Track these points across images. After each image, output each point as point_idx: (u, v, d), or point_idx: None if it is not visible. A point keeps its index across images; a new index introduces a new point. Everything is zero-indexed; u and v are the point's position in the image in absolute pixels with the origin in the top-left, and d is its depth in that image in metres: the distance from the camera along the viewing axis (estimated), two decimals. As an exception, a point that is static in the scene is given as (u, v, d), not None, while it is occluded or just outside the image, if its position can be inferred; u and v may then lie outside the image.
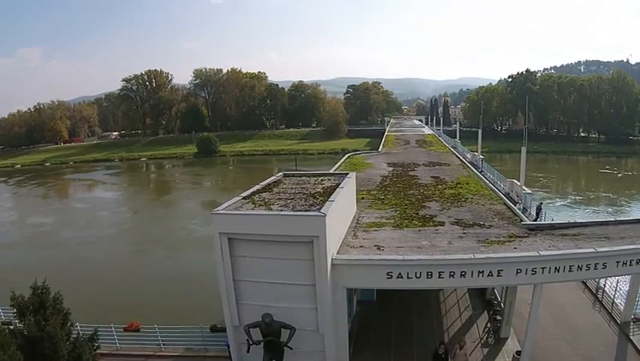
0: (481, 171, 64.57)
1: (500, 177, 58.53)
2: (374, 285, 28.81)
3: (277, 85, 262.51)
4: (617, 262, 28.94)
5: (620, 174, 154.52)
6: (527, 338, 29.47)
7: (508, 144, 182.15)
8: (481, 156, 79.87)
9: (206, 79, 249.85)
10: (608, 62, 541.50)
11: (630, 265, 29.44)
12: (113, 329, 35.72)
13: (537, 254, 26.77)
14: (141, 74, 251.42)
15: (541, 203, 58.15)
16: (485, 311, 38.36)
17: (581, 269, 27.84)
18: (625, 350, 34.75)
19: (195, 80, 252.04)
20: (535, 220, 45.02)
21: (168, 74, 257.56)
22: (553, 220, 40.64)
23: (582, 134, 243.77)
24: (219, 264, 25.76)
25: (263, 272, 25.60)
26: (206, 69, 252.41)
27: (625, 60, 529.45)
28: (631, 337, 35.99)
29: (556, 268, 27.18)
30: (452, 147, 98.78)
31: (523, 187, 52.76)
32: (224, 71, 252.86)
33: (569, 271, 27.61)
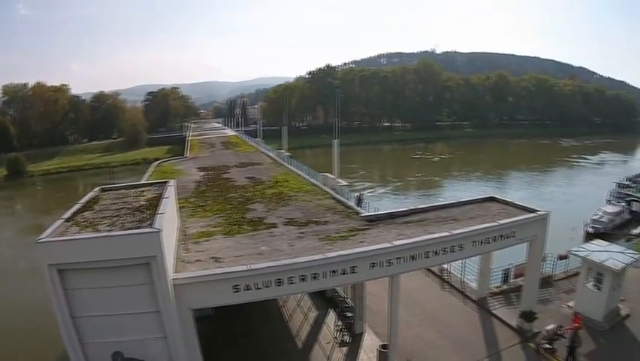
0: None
1: (311, 171, 56.94)
2: (221, 301, 25.42)
3: (78, 97, 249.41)
4: (474, 242, 29.10)
5: (435, 158, 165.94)
6: (392, 331, 28.65)
7: (308, 140, 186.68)
8: (288, 153, 78.70)
9: (14, 95, 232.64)
10: (412, 53, 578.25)
11: (488, 243, 29.91)
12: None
13: (391, 245, 25.75)
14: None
15: (362, 194, 57.35)
16: (331, 310, 37.68)
17: (437, 254, 27.63)
18: (490, 323, 35.92)
19: (3, 96, 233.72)
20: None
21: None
22: (377, 210, 40.21)
23: (386, 124, 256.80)
24: (53, 301, 21.70)
25: (102, 304, 22.02)
26: (13, 84, 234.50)
27: (431, 50, 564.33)
28: (493, 311, 37.32)
29: (412, 256, 26.49)
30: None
31: (339, 180, 51.52)
32: (30, 85, 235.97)
33: (426, 257, 27.24)
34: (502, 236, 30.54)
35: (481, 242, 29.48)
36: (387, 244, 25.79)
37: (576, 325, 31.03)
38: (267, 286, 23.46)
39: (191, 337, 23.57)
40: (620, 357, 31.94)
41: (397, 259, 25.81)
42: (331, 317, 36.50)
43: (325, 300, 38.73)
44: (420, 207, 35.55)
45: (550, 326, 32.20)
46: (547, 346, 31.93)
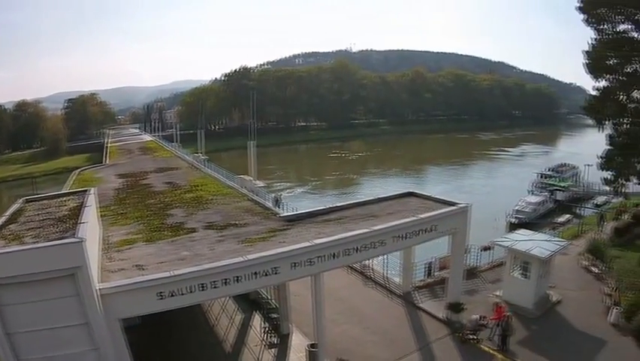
0: None
1: (228, 174, 59.01)
2: (147, 309, 26.08)
3: (1, 106, 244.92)
4: (395, 237, 31.16)
5: (352, 157, 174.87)
6: (319, 330, 30.44)
7: (225, 143, 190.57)
8: (205, 157, 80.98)
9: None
10: (327, 52, 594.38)
11: (409, 237, 32.17)
12: None
13: (311, 244, 27.44)
14: None
15: (280, 195, 59.33)
16: (256, 312, 39.51)
17: (358, 251, 29.47)
18: (418, 316, 38.47)
19: None
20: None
21: None
22: (296, 209, 42.92)
23: (302, 124, 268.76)
24: None
25: (35, 319, 22.37)
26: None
27: (347, 49, 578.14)
28: (419, 305, 39.96)
29: (333, 254, 28.27)
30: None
31: (256, 181, 53.62)
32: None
33: (347, 255, 29.06)
34: (422, 230, 32.66)
35: (402, 237, 31.57)
36: (308, 243, 27.35)
37: (506, 314, 33.49)
38: (191, 292, 24.37)
39: (121, 347, 24.30)
40: (553, 342, 34.33)
41: (318, 257, 27.53)
42: (257, 320, 38.14)
43: (249, 302, 40.37)
44: (338, 205, 37.62)
45: (473, 317, 34.75)
46: (472, 336, 34.24)
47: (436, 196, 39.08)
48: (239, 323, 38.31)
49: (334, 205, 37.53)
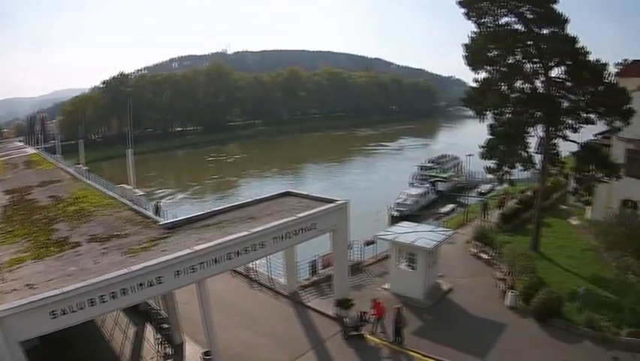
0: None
1: (108, 184, 61.74)
2: (42, 330, 25.95)
3: None
4: (275, 238, 34.40)
5: (230, 159, 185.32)
6: (210, 337, 32.96)
7: (104, 152, 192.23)
8: (86, 167, 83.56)
9: None
10: (204, 55, 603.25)
11: (289, 237, 35.48)
12: None
13: (192, 250, 29.85)
14: None
15: (159, 202, 61.98)
16: (147, 323, 41.56)
17: (239, 254, 32.46)
18: (307, 315, 41.89)
19: None
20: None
21: None
22: (176, 216, 45.88)
23: (179, 129, 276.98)
24: None
25: None
26: None
27: (222, 51, 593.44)
28: (307, 303, 43.37)
29: (214, 259, 31.02)
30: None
31: (135, 190, 56.21)
32: None
33: (229, 259, 31.96)
34: (302, 229, 36.08)
35: (282, 237, 34.80)
36: (188, 250, 29.46)
37: (397, 310, 36.84)
38: (81, 308, 25.38)
39: (27, 372, 24.74)
40: (447, 329, 38.42)
41: (200, 263, 29.87)
42: (150, 331, 39.98)
43: (140, 315, 42.11)
44: (217, 209, 40.70)
45: (353, 313, 38.43)
46: (354, 333, 37.82)
47: (314, 194, 42.85)
48: (133, 336, 39.90)
49: (213, 210, 40.36)
